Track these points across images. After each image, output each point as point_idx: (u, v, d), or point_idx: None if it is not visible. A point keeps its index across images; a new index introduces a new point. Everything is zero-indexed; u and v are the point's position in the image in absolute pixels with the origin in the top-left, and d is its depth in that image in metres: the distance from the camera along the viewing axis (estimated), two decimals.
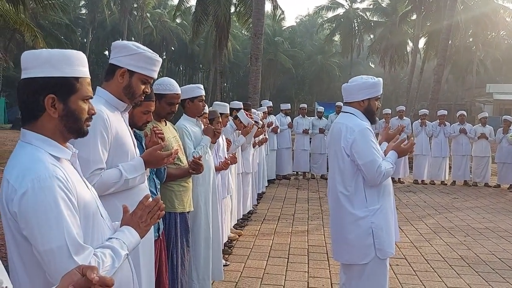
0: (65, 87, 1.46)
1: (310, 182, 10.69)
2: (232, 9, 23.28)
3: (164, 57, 53.14)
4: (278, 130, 10.19)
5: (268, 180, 9.65)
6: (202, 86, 3.74)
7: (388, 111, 10.99)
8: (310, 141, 11.19)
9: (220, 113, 4.76)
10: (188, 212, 3.27)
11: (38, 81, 1.43)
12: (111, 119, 2.04)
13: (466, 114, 10.85)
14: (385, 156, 2.89)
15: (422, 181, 10.96)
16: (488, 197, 9.28)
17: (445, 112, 11.01)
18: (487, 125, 10.54)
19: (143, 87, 2.19)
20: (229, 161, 4.53)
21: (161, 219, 2.72)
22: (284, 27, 45.62)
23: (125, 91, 2.15)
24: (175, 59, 54.04)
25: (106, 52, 44.35)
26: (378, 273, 2.80)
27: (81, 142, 1.66)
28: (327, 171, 11.14)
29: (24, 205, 1.32)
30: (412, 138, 2.84)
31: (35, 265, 1.39)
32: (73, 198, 1.40)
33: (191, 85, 3.72)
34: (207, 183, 3.73)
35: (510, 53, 40.98)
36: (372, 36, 41.42)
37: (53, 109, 1.44)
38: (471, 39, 32.61)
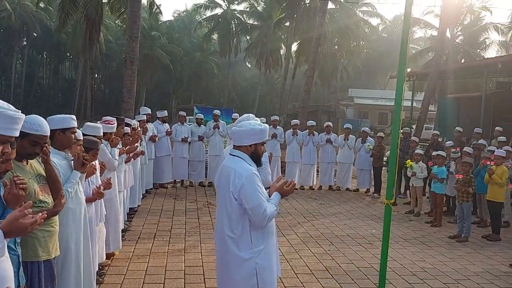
0: None
1: (188, 191, 10.65)
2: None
3: (25, 43, 47.92)
4: (157, 139, 9.92)
5: (145, 190, 9.38)
6: (75, 117, 3.48)
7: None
8: (189, 149, 11.12)
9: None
10: (54, 258, 3.01)
11: None
12: None
13: (332, 125, 11.95)
14: (269, 197, 3.07)
15: None
16: (349, 202, 10.29)
17: (314, 123, 11.96)
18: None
19: (1, 147, 1.95)
20: (102, 190, 4.29)
21: (22, 272, 2.49)
22: (161, 22, 44.47)
23: None
24: (38, 46, 49.18)
25: None
26: None
27: None
28: (206, 177, 11.34)
29: None
30: (293, 179, 3.14)
31: None
32: None
33: (63, 115, 3.44)
34: (78, 221, 3.49)
35: (368, 61, 45.97)
36: (249, 38, 42.62)
37: None
38: (336, 47, 35.62)
